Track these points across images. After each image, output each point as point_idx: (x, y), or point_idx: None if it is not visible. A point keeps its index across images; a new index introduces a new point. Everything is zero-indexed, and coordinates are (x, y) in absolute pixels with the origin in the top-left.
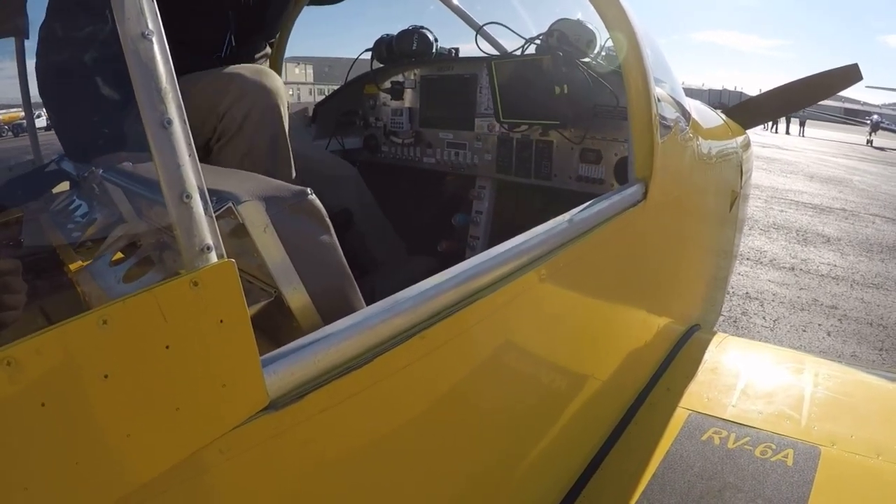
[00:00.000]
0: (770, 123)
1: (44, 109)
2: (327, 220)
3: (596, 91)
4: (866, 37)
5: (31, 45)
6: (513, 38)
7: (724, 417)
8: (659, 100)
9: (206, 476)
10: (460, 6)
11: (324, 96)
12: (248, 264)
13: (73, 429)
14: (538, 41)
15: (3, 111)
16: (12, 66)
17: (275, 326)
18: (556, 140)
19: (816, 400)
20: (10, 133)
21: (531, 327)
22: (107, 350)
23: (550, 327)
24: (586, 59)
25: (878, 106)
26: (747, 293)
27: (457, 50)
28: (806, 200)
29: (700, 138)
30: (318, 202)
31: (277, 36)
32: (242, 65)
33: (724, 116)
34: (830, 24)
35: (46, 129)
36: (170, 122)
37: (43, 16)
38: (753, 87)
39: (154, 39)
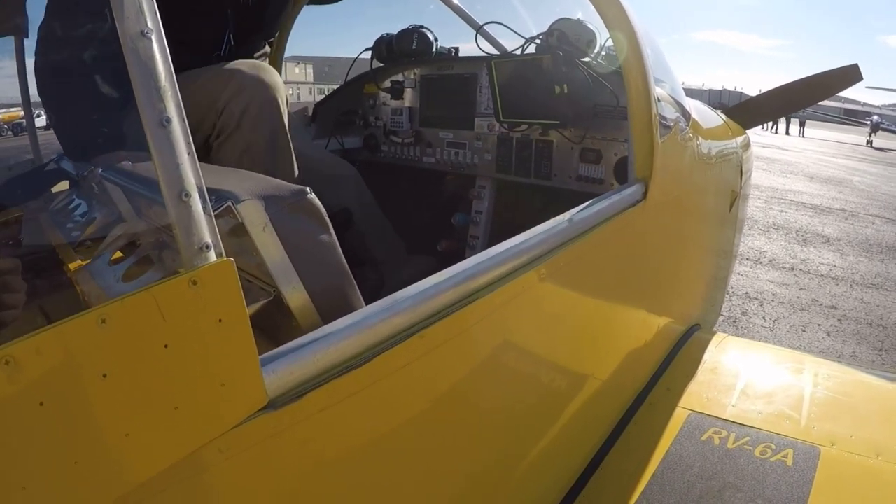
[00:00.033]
0: (770, 124)
1: (43, 108)
2: (326, 219)
3: (596, 91)
4: (866, 37)
5: (30, 44)
6: (513, 37)
7: (724, 417)
8: (659, 99)
9: (204, 475)
10: (460, 5)
11: (324, 96)
12: (247, 263)
13: (71, 428)
14: (538, 41)
15: (3, 110)
16: (12, 66)
17: (274, 326)
18: (556, 140)
19: (816, 400)
20: (9, 132)
21: (531, 327)
22: (105, 349)
23: (550, 327)
24: (586, 59)
25: (878, 106)
26: (747, 293)
27: (457, 49)
28: (806, 201)
29: (700, 138)
30: (317, 201)
31: (277, 35)
32: (241, 60)
33: (724, 116)
34: (830, 24)
35: (46, 128)
36: (168, 120)
37: (42, 15)
38: (753, 87)
39: (153, 38)
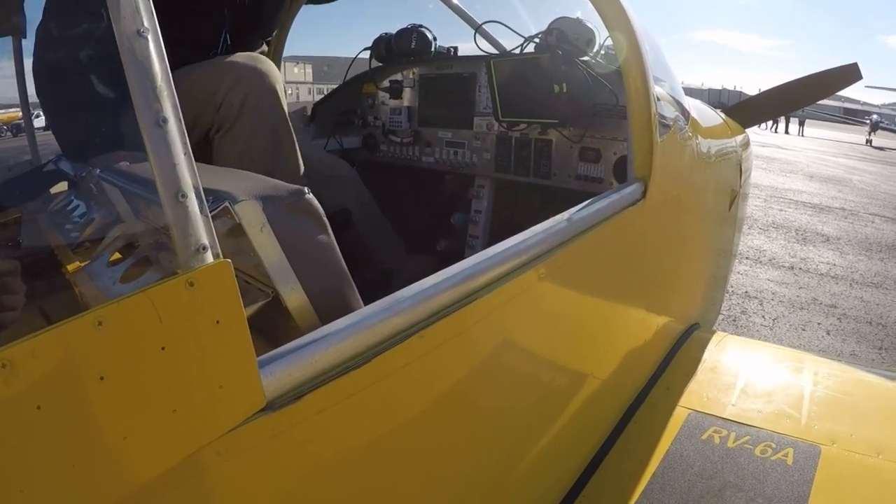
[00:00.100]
0: (770, 123)
1: (41, 109)
2: (325, 219)
3: (595, 90)
4: (866, 37)
5: (28, 44)
6: (512, 36)
7: (724, 416)
8: (658, 99)
9: (203, 478)
10: (459, 5)
11: (322, 95)
12: (244, 264)
13: (69, 431)
14: (537, 40)
15: (2, 111)
16: (10, 66)
17: (272, 327)
18: (556, 139)
19: (816, 399)
20: (8, 133)
21: (530, 326)
22: (102, 352)
23: (549, 326)
24: (586, 58)
25: (877, 106)
26: (746, 292)
27: (455, 49)
28: (805, 200)
29: (699, 137)
30: (315, 201)
31: (275, 34)
32: (236, 53)
33: (723, 115)
34: (830, 24)
35: (45, 129)
36: (165, 120)
37: (40, 15)
38: (753, 86)
39: (149, 37)
